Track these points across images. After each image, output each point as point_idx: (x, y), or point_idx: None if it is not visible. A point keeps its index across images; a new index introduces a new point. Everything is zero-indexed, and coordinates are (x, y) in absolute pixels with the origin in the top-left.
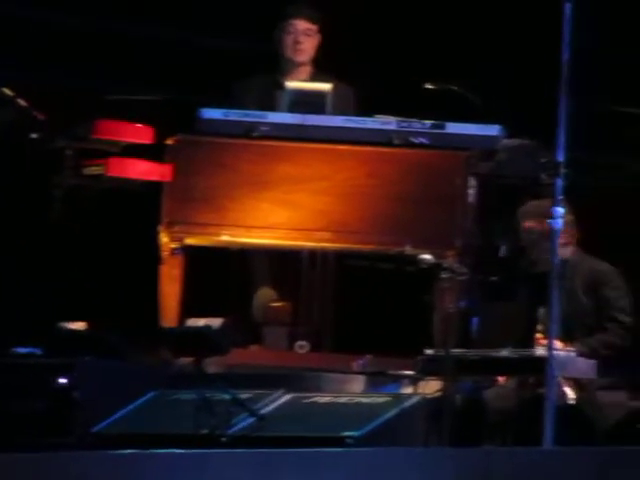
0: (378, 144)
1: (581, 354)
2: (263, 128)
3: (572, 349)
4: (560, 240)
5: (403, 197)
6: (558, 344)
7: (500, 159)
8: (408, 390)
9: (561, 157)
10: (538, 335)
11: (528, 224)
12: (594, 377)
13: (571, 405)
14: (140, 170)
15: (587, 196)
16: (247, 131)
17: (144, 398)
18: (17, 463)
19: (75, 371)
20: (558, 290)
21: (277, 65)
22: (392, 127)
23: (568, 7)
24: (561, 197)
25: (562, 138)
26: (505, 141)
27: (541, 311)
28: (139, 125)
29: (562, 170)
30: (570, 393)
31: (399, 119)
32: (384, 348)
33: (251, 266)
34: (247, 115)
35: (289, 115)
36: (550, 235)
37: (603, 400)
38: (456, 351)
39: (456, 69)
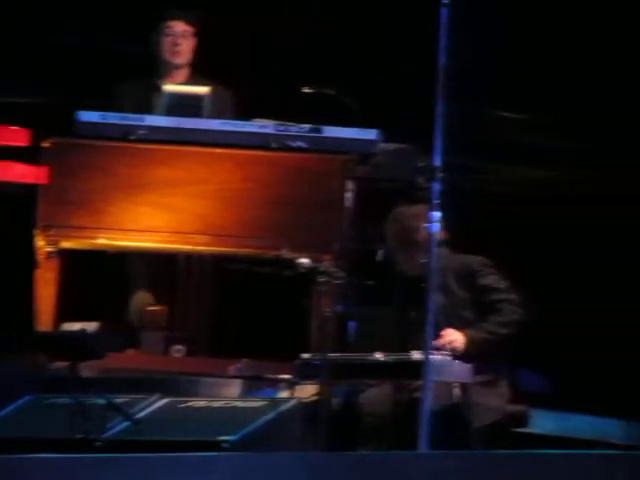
0: (256, 147)
1: (476, 344)
2: (140, 131)
3: (448, 353)
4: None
5: (280, 201)
6: (455, 335)
7: (377, 163)
8: (284, 394)
9: (438, 161)
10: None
11: (395, 228)
12: (470, 381)
13: (448, 408)
14: (15, 173)
15: (463, 200)
16: (124, 134)
17: (18, 402)
18: None
19: None
20: (434, 292)
21: (155, 68)
22: (269, 131)
23: (444, 11)
24: (437, 201)
25: (438, 142)
26: (382, 145)
27: (416, 314)
28: (14, 127)
29: (439, 174)
30: (445, 397)
31: (277, 123)
32: (261, 352)
33: (128, 270)
34: (124, 118)
35: (166, 118)
36: (419, 239)
37: (480, 403)
38: (333, 355)
39: (333, 73)
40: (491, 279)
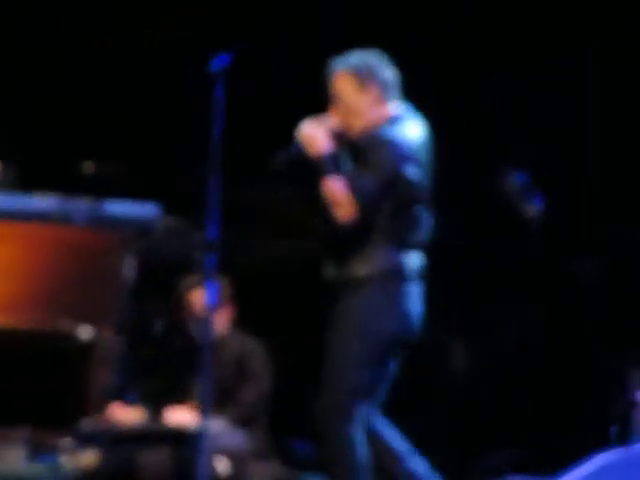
0: (37, 222)
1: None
2: None
3: (222, 421)
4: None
5: (60, 275)
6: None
7: (155, 237)
8: (64, 461)
9: (213, 235)
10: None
11: (189, 297)
12: (244, 447)
13: (225, 477)
14: None
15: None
16: None
17: None
18: None
19: None
20: (211, 363)
21: None
22: (51, 205)
23: (220, 89)
24: (214, 274)
25: (213, 217)
26: (160, 220)
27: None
28: None
29: (214, 248)
30: (221, 467)
31: (58, 197)
32: (42, 420)
33: None
34: None
35: None
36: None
37: (255, 471)
38: (110, 424)
39: (113, 149)
40: (257, 368)
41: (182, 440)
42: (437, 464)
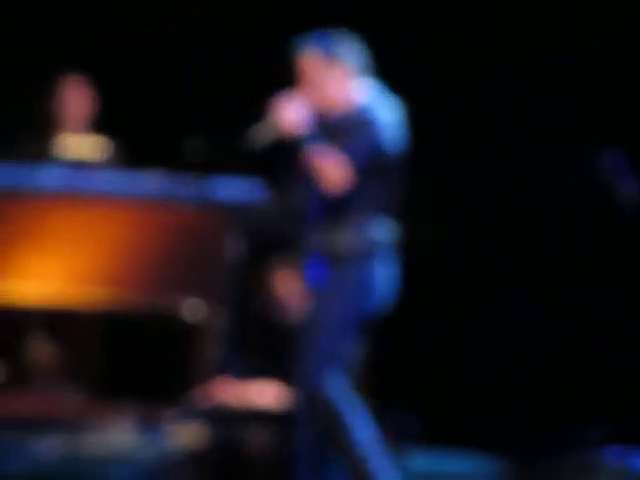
0: (145, 201)
1: None
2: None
3: None
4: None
5: (167, 253)
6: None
7: (259, 214)
8: (170, 434)
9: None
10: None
11: (280, 276)
12: None
13: None
14: None
15: None
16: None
17: None
18: None
19: None
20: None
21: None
22: (159, 185)
23: None
24: (312, 249)
25: (316, 198)
26: (262, 197)
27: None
28: None
29: (316, 227)
30: None
31: (164, 174)
32: (149, 396)
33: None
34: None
35: (56, 175)
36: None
37: None
38: (214, 400)
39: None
40: None
41: (287, 419)
42: (532, 436)
